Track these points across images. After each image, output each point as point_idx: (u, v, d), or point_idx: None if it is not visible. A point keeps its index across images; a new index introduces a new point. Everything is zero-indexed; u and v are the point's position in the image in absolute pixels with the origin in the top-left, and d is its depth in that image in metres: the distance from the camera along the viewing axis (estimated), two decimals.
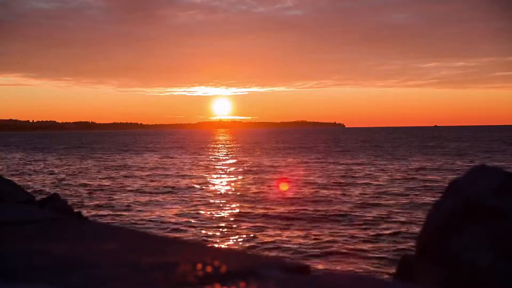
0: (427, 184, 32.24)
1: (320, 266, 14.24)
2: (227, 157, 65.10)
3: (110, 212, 23.86)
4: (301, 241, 17.32)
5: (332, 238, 17.59)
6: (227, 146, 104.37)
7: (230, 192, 30.14)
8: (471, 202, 2.28)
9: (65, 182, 36.72)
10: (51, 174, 43.38)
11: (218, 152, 80.00)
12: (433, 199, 24.07)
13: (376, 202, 25.15)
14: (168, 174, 41.35)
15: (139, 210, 24.14)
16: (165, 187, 32.86)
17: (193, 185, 33.86)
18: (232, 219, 21.55)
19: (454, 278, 2.18)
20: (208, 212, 23.38)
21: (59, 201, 5.41)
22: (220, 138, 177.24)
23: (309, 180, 34.87)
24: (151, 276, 1.85)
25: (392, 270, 11.53)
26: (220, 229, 19.74)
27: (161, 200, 27.32)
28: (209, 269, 1.90)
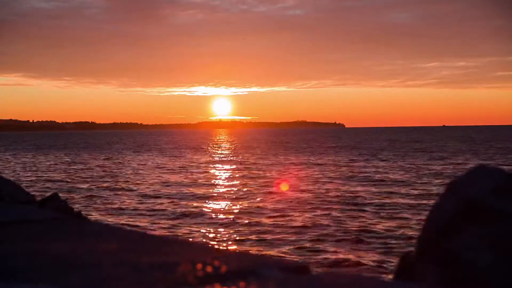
0: (428, 183, 32.25)
1: (320, 266, 14.24)
2: (227, 157, 65.09)
3: (110, 212, 23.86)
4: (301, 240, 17.32)
5: (331, 238, 17.59)
6: (227, 145, 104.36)
7: (230, 192, 30.14)
8: (471, 203, 2.28)
9: (65, 182, 36.71)
10: (51, 173, 43.37)
11: (218, 152, 79.99)
12: (433, 199, 24.07)
13: (375, 202, 25.15)
14: (168, 174, 41.35)
15: (139, 210, 24.14)
16: (165, 187, 32.85)
17: (192, 185, 33.86)
18: (232, 219, 21.54)
19: (454, 278, 2.18)
20: (208, 212, 23.38)
21: (59, 201, 5.41)
22: (221, 138, 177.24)
23: (308, 180, 34.87)
24: (151, 276, 1.85)
25: (392, 270, 11.53)
26: (220, 229, 19.74)
27: (161, 200, 27.32)
28: (209, 269, 1.91)
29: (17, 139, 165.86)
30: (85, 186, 34.04)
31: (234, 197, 28.09)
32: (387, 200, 25.62)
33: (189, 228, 20.02)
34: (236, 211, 23.50)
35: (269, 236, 18.13)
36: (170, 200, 27.03)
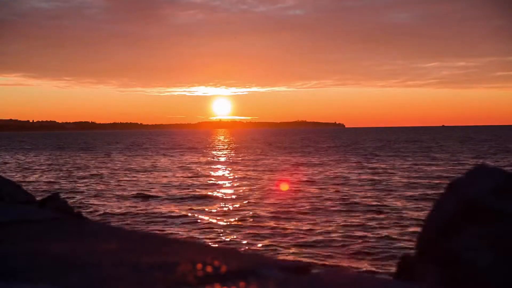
0: (427, 184, 32.24)
1: (320, 266, 14.24)
2: (226, 157, 65.10)
3: (110, 212, 23.86)
4: (301, 241, 17.32)
5: (332, 237, 17.59)
6: (226, 146, 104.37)
7: (229, 192, 30.14)
8: (471, 202, 2.28)
9: (65, 182, 36.71)
10: (51, 174, 43.37)
11: (218, 152, 79.99)
12: (433, 199, 24.06)
13: (375, 202, 25.15)
14: (168, 175, 41.35)
15: (139, 210, 24.13)
16: (165, 187, 32.86)
17: (192, 185, 33.86)
18: (231, 219, 21.55)
19: (454, 278, 2.18)
20: (208, 212, 23.39)
21: (59, 201, 5.41)
22: (220, 138, 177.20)
23: (308, 181, 34.87)
24: (151, 276, 1.85)
25: (392, 270, 11.52)
26: (220, 229, 19.74)
27: (161, 200, 27.32)
28: (209, 269, 1.91)
29: (17, 139, 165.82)
30: (85, 186, 34.04)
31: (234, 197, 28.09)
32: (387, 201, 25.62)
33: (189, 228, 20.02)
34: (236, 211, 23.49)
35: (269, 237, 18.14)
36: (169, 200, 27.04)
